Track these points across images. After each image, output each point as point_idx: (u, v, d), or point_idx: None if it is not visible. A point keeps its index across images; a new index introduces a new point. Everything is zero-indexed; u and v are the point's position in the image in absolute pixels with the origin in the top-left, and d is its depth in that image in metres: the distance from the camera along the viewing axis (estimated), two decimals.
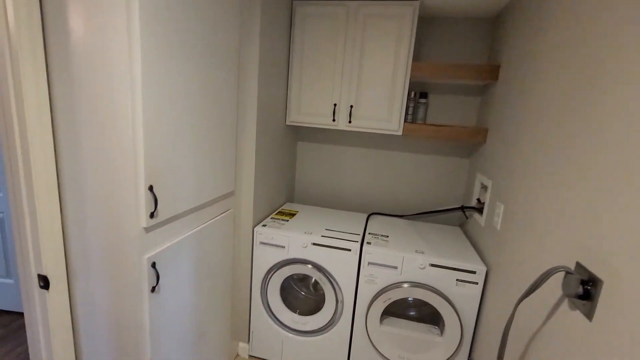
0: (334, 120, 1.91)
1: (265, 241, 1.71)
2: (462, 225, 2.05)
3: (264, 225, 1.75)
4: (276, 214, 1.97)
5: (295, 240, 1.67)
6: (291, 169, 2.28)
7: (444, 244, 1.70)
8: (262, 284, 1.77)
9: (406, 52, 1.74)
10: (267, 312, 1.80)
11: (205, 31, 1.18)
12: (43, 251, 1.00)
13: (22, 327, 2.08)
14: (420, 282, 1.54)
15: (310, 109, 1.94)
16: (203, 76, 1.21)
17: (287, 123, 2.00)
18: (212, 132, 1.32)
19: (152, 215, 1.02)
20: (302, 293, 1.94)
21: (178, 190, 1.15)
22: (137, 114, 0.93)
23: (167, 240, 1.14)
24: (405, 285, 1.54)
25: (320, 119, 1.93)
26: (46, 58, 0.95)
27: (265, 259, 1.74)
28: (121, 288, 1.06)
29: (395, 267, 1.56)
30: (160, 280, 1.11)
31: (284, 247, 1.69)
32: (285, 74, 1.90)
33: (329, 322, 1.71)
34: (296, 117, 1.97)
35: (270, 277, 1.74)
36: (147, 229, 1.04)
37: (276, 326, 1.80)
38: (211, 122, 1.31)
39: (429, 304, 1.62)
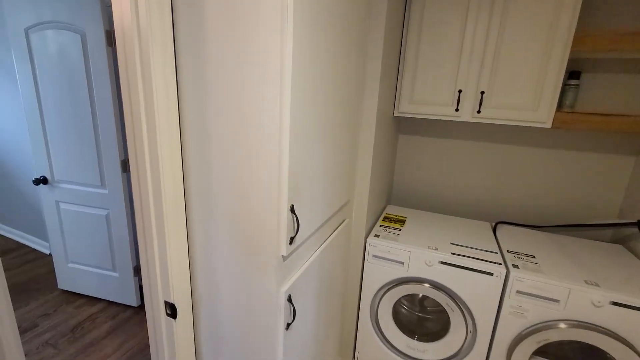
0: (457, 109, 1.57)
1: (380, 255, 1.48)
2: (624, 242, 1.60)
3: (376, 236, 1.51)
4: (383, 220, 1.72)
5: (418, 257, 1.41)
6: (392, 166, 2.00)
7: (618, 272, 1.30)
8: (372, 302, 1.55)
9: (569, 18, 1.32)
10: (378, 334, 1.58)
11: (346, 20, 0.93)
12: (171, 278, 0.87)
13: (129, 319, 2.15)
14: (596, 324, 1.18)
15: (425, 96, 1.62)
16: (339, 68, 0.97)
17: (396, 114, 1.71)
18: (340, 130, 1.09)
19: (291, 241, 0.83)
20: (416, 313, 1.69)
21: (313, 206, 0.94)
22: (284, 119, 0.72)
23: (298, 266, 0.95)
24: (571, 326, 1.20)
25: (439, 109, 1.61)
26: (175, 58, 0.78)
27: (378, 275, 1.50)
28: (252, 322, 0.90)
29: (557, 301, 1.22)
30: (296, 316, 0.93)
31: (402, 263, 1.44)
32: (397, 55, 1.60)
33: (455, 354, 1.44)
34: (407, 107, 1.67)
35: (383, 295, 1.51)
36: (285, 257, 0.85)
37: (387, 349, 1.58)
38: (341, 119, 1.08)
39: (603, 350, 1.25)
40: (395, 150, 2.03)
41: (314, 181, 0.93)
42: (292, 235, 0.82)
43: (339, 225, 1.30)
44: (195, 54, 0.75)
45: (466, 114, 1.56)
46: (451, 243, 1.48)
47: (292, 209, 0.80)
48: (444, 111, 1.60)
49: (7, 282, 2.51)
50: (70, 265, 2.31)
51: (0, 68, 2.72)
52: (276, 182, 0.75)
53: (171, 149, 0.81)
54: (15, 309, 2.22)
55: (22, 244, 3.14)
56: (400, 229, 1.60)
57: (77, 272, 2.31)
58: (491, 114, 1.52)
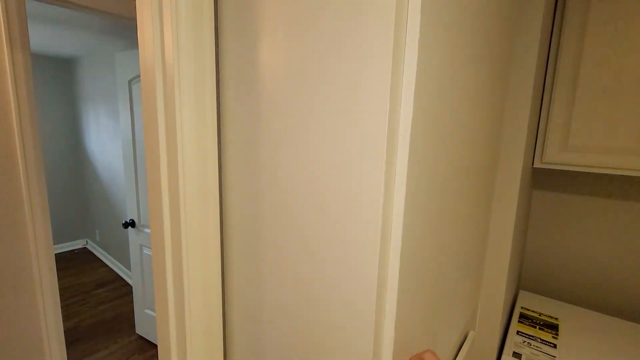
0: None
1: None
2: None
3: (516, 356, 0.97)
4: (520, 320, 1.15)
5: None
6: (524, 235, 1.43)
7: None
8: None
9: None
10: None
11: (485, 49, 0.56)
12: None
13: None
14: None
15: (591, 141, 1.08)
16: (475, 107, 0.58)
17: (537, 165, 1.19)
18: (471, 198, 0.67)
19: None
20: None
21: (433, 323, 0.52)
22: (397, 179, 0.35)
23: None
24: None
25: (618, 160, 1.04)
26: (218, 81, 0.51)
27: None
28: None
29: None
30: None
31: None
32: (539, 84, 1.12)
33: None
34: (557, 156, 1.14)
35: None
36: None
37: None
38: (473, 182, 0.66)
39: None
40: (529, 214, 1.46)
41: (437, 279, 0.52)
42: None
43: (461, 346, 0.83)
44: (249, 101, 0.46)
45: None
46: None
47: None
48: (629, 163, 1.03)
49: (96, 318, 2.60)
50: (146, 311, 2.25)
51: (117, 116, 3.07)
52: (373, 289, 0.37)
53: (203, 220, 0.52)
54: (95, 352, 2.23)
55: (120, 276, 3.35)
56: (554, 344, 1.02)
57: (152, 320, 2.24)
58: None
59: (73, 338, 2.36)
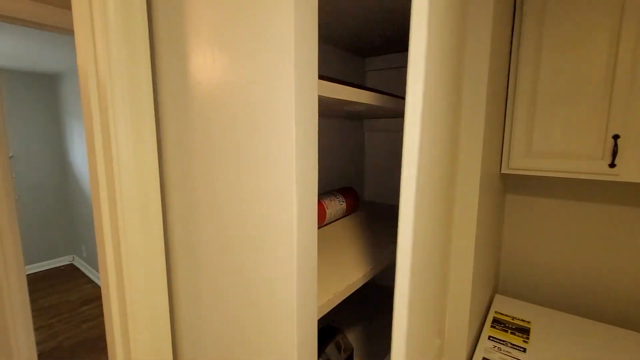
0: (612, 164, 1.02)
1: None
2: None
3: None
4: (493, 324, 1.16)
5: None
6: (498, 239, 1.45)
7: None
8: None
9: None
10: None
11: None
12: None
13: None
14: None
15: (552, 147, 1.11)
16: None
17: (504, 171, 1.22)
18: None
19: None
20: None
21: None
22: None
23: None
24: None
25: (576, 165, 1.07)
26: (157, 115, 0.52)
27: None
28: None
29: None
30: None
31: None
32: (502, 91, 1.15)
33: None
34: (522, 162, 1.17)
35: None
36: None
37: None
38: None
39: None
40: (503, 217, 1.48)
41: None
42: None
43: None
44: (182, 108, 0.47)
45: (631, 173, 1.00)
46: None
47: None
48: (587, 167, 1.05)
49: (80, 337, 2.55)
50: None
51: None
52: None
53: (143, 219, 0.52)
54: None
55: None
56: (524, 348, 1.03)
57: None
58: None
59: (56, 357, 2.31)
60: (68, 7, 1.31)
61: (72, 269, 3.84)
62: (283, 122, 0.35)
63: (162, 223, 0.53)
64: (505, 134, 1.20)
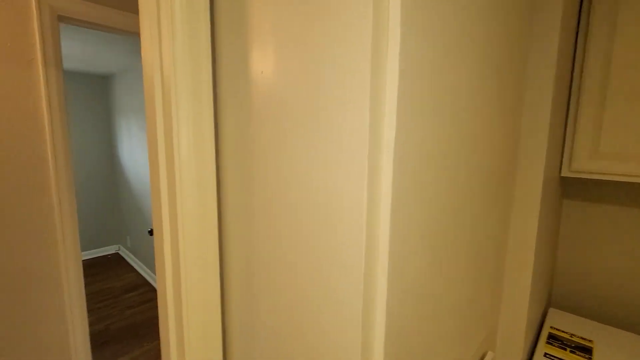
0: None
1: None
2: None
3: None
4: (549, 341, 1.07)
5: None
6: (554, 249, 1.33)
7: None
8: None
9: None
10: None
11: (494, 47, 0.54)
12: None
13: None
14: None
15: (623, 147, 1.00)
16: (482, 107, 0.56)
17: (565, 174, 1.12)
18: (481, 213, 0.64)
19: None
20: None
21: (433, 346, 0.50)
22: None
23: None
24: None
25: None
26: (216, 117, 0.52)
27: None
28: None
29: None
30: None
31: None
32: (565, 86, 1.05)
33: None
34: (586, 164, 1.07)
35: None
36: None
37: None
38: (489, 198, 0.63)
39: None
40: (559, 224, 1.36)
41: (437, 308, 0.49)
42: None
43: None
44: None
45: None
46: None
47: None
48: None
49: (124, 322, 2.70)
50: None
51: (143, 128, 3.23)
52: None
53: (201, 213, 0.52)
54: (122, 355, 2.31)
55: (148, 281, 3.48)
56: None
57: None
58: None
59: (102, 340, 2.47)
60: (127, 9, 1.39)
61: (117, 258, 4.09)
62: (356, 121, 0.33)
63: (217, 221, 0.53)
64: (567, 133, 1.10)
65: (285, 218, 0.42)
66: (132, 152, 3.62)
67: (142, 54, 0.51)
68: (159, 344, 2.40)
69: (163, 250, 0.53)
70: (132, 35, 1.53)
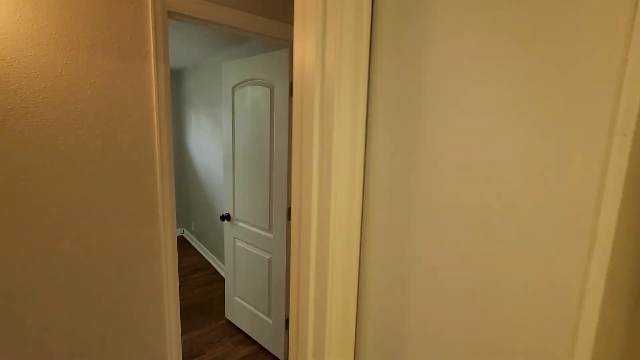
0: None
1: None
2: None
3: None
4: None
5: None
6: None
7: None
8: None
9: None
10: None
11: None
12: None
13: None
14: None
15: None
16: None
17: None
18: None
19: None
20: None
21: None
22: None
23: None
24: None
25: None
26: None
27: None
28: None
29: None
30: None
31: None
32: None
33: None
34: None
35: None
36: None
37: None
38: None
39: None
40: None
41: None
42: None
43: None
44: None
45: None
46: None
47: None
48: None
49: (191, 300, 2.91)
50: (236, 298, 2.44)
51: (215, 120, 3.42)
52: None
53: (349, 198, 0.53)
54: (191, 330, 2.50)
55: (211, 264, 3.71)
56: None
57: (240, 307, 2.42)
58: None
59: None
60: (233, 5, 1.47)
61: (182, 240, 4.42)
62: None
63: (360, 219, 0.54)
64: None
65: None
66: (200, 143, 3.87)
67: (296, 57, 0.52)
68: (223, 324, 2.56)
69: (310, 249, 0.54)
70: (240, 31, 1.56)
